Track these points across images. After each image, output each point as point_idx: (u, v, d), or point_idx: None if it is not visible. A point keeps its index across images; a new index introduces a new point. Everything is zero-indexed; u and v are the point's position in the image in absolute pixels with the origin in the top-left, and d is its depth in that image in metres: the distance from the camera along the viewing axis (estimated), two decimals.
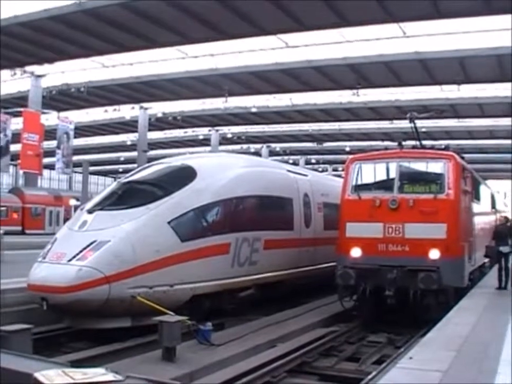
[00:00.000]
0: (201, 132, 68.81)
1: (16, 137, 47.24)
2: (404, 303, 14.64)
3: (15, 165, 72.70)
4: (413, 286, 14.22)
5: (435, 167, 15.70)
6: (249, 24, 31.02)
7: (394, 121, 54.65)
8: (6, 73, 45.12)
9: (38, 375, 5.33)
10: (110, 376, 5.47)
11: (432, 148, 18.32)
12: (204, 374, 10.44)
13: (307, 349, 12.66)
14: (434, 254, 14.41)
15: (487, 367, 7.64)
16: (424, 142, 18.54)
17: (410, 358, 8.13)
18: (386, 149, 17.45)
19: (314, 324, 15.25)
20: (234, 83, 44.28)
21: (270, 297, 17.99)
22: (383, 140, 55.30)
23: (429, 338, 9.70)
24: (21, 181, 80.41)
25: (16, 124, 48.68)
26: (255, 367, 10.80)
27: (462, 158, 17.17)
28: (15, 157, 52.62)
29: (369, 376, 10.11)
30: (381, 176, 16.23)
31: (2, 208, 54.27)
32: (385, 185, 15.82)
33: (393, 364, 9.00)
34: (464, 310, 12.56)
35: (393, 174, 15.63)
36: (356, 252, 15.13)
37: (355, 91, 43.86)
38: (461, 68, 36.47)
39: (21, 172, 64.68)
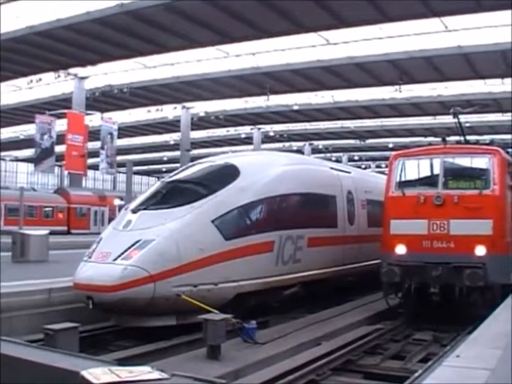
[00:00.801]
0: (244, 130, 69.08)
1: (61, 139, 47.89)
2: (450, 300, 14.49)
3: (60, 166, 73.66)
4: (458, 283, 14.04)
5: (480, 162, 15.49)
6: (289, 21, 31.05)
7: (438, 117, 54.28)
8: (50, 75, 45.82)
9: (85, 373, 5.37)
10: (156, 374, 5.49)
11: (476, 143, 18.10)
12: (248, 372, 10.44)
13: (352, 347, 12.58)
14: (480, 250, 14.22)
15: None
16: (468, 137, 18.32)
17: (457, 356, 8.01)
18: (430, 144, 17.24)
19: (359, 322, 15.17)
20: (275, 81, 44.36)
21: (314, 295, 17.95)
22: (426, 136, 54.82)
23: (475, 336, 9.56)
24: (66, 182, 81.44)
25: (60, 125, 49.37)
26: (299, 365, 10.78)
27: (507, 152, 16.90)
28: (60, 157, 53.31)
29: (415, 375, 10.01)
30: (425, 172, 16.07)
31: (48, 209, 55.08)
32: (429, 181, 15.65)
33: (440, 362, 8.90)
34: (511, 307, 12.37)
35: (437, 170, 15.44)
36: (400, 249, 15.00)
37: (397, 87, 43.69)
38: (504, 60, 36.00)
39: (66, 172, 65.57)
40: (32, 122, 48.42)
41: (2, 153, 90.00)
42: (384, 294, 15.60)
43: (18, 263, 21.27)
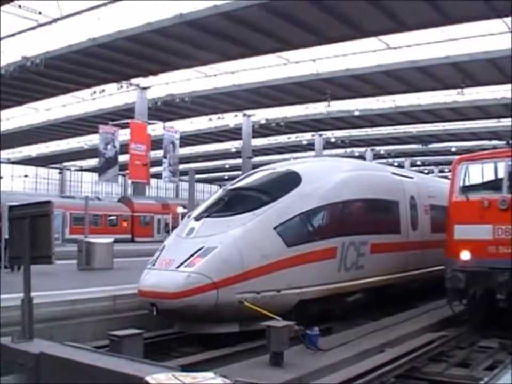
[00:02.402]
0: (305, 137, 69.02)
1: (124, 148, 48.60)
2: None
3: (124, 175, 74.75)
4: None
5: None
6: (349, 26, 30.97)
7: (502, 120, 53.26)
8: (113, 86, 46.60)
9: (149, 379, 5.46)
10: (219, 380, 5.54)
11: None
12: (312, 379, 10.40)
13: (416, 354, 12.44)
14: None
15: None
16: None
17: None
18: (494, 148, 16.98)
19: (424, 329, 14.98)
20: (336, 87, 44.23)
21: (377, 302, 17.81)
22: (490, 139, 53.91)
23: None
24: (129, 190, 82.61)
25: (124, 135, 50.13)
26: (363, 372, 10.70)
27: None
28: (123, 167, 54.09)
29: (481, 382, 9.85)
30: (489, 176, 15.79)
31: (113, 217, 55.95)
32: (494, 185, 15.37)
33: (506, 370, 8.75)
34: None
35: (502, 174, 15.17)
36: (465, 255, 14.76)
37: (460, 90, 43.06)
38: None
39: (129, 181, 66.46)
40: (96, 132, 49.26)
41: (68, 163, 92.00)
42: (448, 301, 15.37)
43: (84, 271, 21.67)
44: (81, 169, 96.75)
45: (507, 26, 31.40)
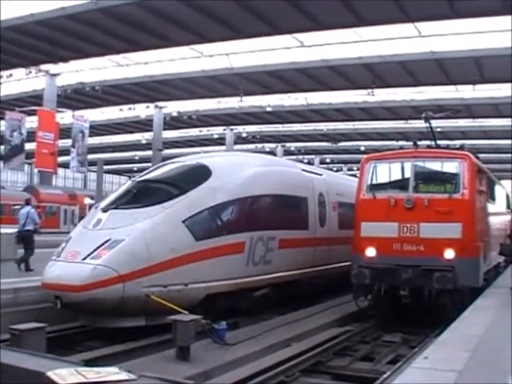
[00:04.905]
0: (216, 131, 68.87)
1: (31, 136, 47.42)
2: (419, 302, 14.58)
3: (30, 164, 72.98)
4: (428, 285, 14.15)
5: (450, 166, 15.61)
6: (264, 23, 30.99)
7: (410, 121, 54.35)
8: (21, 71, 45.32)
9: (51, 374, 5.32)
10: (123, 375, 5.46)
11: (447, 147, 18.22)
12: (218, 373, 10.42)
13: (322, 349, 12.63)
14: (449, 253, 14.34)
15: (502, 367, 7.58)
16: (439, 142, 18.43)
17: (425, 357, 8.07)
18: (401, 148, 17.38)
19: (329, 323, 15.21)
20: (249, 82, 44.26)
21: (285, 297, 17.95)
22: (398, 140, 55.14)
23: (443, 338, 9.64)
24: (36, 180, 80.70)
25: (31, 122, 48.90)
26: (269, 366, 10.78)
27: (477, 157, 17.06)
28: (30, 155, 52.78)
29: (384, 376, 10.07)
30: (396, 175, 16.17)
31: (17, 207, 54.51)
32: (400, 184, 15.75)
33: (408, 364, 8.97)
34: (479, 310, 12.48)
35: (408, 174, 15.56)
36: (370, 252, 15.07)
37: (370, 91, 43.77)
38: (477, 67, 36.29)
39: (35, 170, 64.93)
40: (2, 118, 47.90)
41: None
42: (354, 296, 15.68)
43: None
44: None
45: (417, 31, 32.09)
